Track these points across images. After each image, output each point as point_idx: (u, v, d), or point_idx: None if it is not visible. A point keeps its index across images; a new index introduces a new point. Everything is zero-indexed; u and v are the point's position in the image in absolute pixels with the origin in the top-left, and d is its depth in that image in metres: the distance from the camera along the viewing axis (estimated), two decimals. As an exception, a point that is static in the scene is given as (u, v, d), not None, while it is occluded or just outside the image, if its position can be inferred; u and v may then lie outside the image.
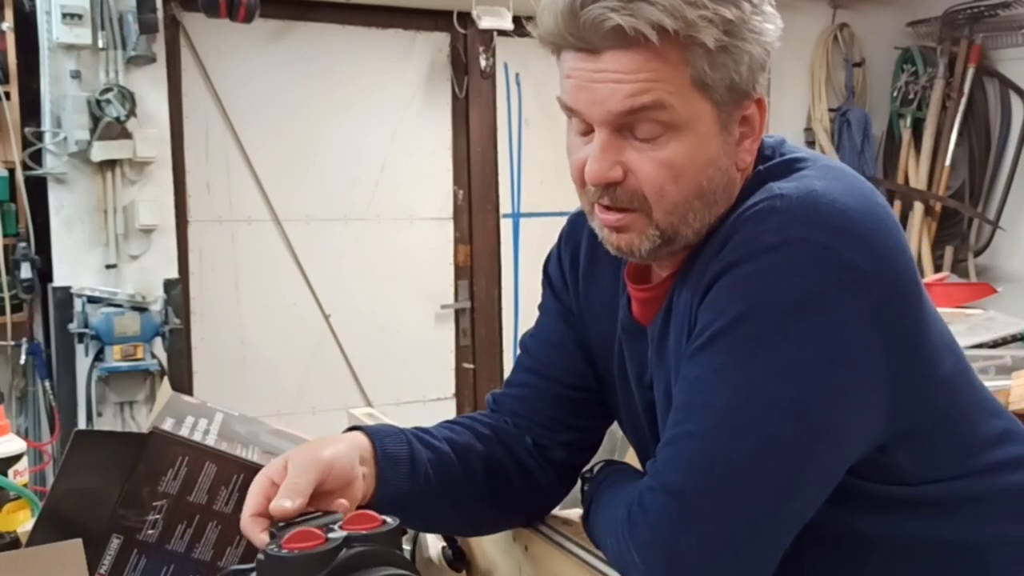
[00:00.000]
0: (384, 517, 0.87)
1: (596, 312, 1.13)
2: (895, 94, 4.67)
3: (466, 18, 3.82)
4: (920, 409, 0.93)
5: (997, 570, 0.98)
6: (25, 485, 1.33)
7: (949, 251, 4.58)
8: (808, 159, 0.96)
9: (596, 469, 1.13)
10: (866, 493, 0.94)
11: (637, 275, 1.06)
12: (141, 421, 3.28)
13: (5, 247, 3.19)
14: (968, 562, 0.97)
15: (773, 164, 0.96)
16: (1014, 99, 4.49)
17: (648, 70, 0.88)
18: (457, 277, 4.12)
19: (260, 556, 0.82)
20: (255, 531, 0.88)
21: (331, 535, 0.83)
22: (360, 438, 1.02)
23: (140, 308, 3.19)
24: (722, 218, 0.95)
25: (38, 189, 3.22)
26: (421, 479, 1.04)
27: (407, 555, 1.28)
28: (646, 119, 0.90)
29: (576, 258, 1.15)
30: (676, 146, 0.90)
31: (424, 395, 4.07)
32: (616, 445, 1.36)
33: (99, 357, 3.15)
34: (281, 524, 0.88)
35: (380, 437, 1.03)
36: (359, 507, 0.94)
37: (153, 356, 3.21)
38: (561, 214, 1.05)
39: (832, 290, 0.85)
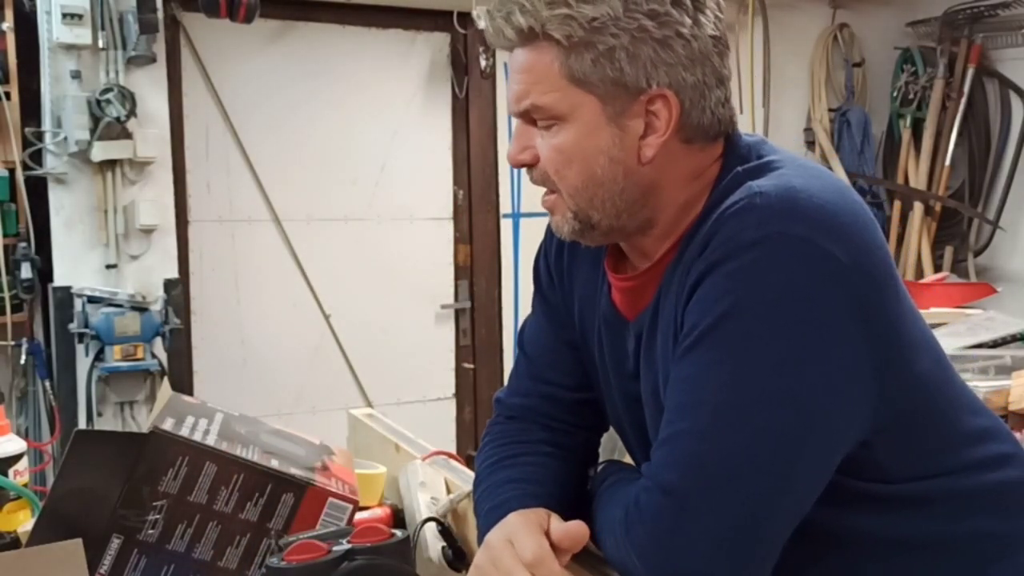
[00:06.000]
0: (393, 530, 0.86)
1: (580, 301, 1.15)
2: (895, 94, 4.67)
3: (466, 18, 3.82)
4: (899, 404, 0.93)
5: (977, 564, 0.99)
6: (25, 485, 1.34)
7: (949, 251, 4.57)
8: (785, 159, 0.98)
9: (596, 469, 1.14)
10: (850, 490, 0.94)
11: (616, 265, 1.09)
12: (141, 421, 3.28)
13: (5, 247, 3.19)
14: (948, 557, 0.98)
15: (751, 165, 0.97)
16: (1014, 99, 4.49)
17: (527, 70, 0.98)
18: (457, 277, 4.12)
19: (263, 569, 0.83)
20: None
21: (335, 547, 0.83)
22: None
23: (140, 308, 3.19)
24: (701, 217, 0.97)
25: (38, 189, 3.22)
26: None
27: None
28: (536, 113, 0.99)
29: (561, 246, 1.18)
30: (565, 134, 0.98)
31: (424, 395, 4.07)
32: (616, 445, 1.36)
33: (99, 357, 3.15)
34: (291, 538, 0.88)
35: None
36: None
37: (153, 356, 3.20)
38: (561, 214, 1.07)
39: (814, 282, 0.86)
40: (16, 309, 3.23)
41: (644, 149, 0.97)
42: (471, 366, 4.14)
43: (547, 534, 0.97)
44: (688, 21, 0.95)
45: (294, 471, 1.13)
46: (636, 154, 0.97)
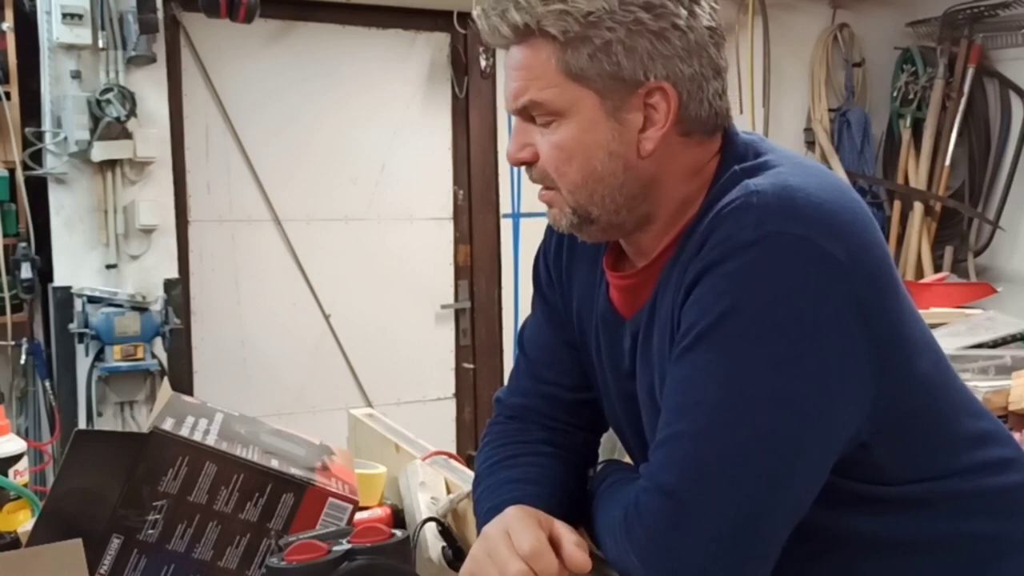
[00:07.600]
0: (393, 530, 0.86)
1: (579, 300, 1.15)
2: (895, 94, 4.67)
3: (466, 18, 3.82)
4: (898, 406, 0.93)
5: (975, 566, 0.99)
6: (25, 485, 1.34)
7: (949, 251, 4.57)
8: (782, 157, 0.98)
9: (597, 470, 1.14)
10: (848, 492, 0.94)
11: (615, 263, 1.09)
12: (141, 421, 3.28)
13: (5, 247, 3.19)
14: (947, 558, 0.98)
15: (749, 163, 0.97)
16: (1014, 99, 4.49)
17: (524, 67, 0.97)
18: (457, 277, 4.12)
19: (263, 569, 0.83)
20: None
21: (335, 547, 0.83)
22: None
23: (140, 308, 3.19)
24: (698, 215, 0.97)
25: (38, 189, 3.22)
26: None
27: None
28: (534, 110, 0.98)
29: (560, 245, 1.19)
30: (564, 130, 0.97)
31: (424, 395, 4.07)
32: (616, 445, 1.36)
33: (99, 357, 3.15)
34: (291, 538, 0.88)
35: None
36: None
37: (153, 356, 3.20)
38: (561, 214, 1.07)
39: (813, 282, 0.86)
40: (16, 309, 3.23)
41: (644, 143, 0.97)
42: (471, 366, 4.14)
43: (552, 539, 0.97)
44: (684, 12, 0.95)
45: (294, 471, 1.13)
46: (636, 148, 0.97)
